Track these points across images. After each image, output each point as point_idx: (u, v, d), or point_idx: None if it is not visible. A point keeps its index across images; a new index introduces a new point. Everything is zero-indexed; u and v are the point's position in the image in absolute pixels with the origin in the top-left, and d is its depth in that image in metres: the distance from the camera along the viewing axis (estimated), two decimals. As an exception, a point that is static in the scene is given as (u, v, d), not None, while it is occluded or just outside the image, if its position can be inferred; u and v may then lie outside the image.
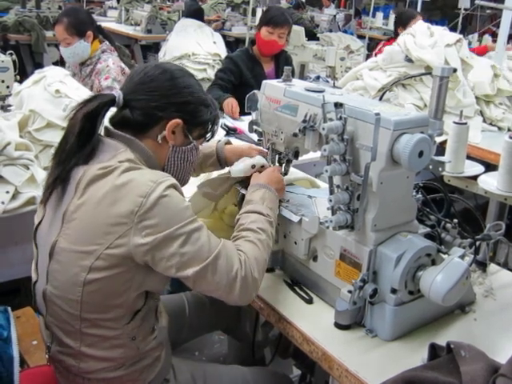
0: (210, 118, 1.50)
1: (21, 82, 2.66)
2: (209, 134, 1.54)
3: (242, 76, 3.64)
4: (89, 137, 1.34)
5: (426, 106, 3.17)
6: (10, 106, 2.66)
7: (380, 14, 8.94)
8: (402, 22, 4.93)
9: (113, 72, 3.24)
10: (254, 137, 1.81)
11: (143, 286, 1.35)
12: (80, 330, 1.34)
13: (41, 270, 1.39)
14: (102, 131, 1.43)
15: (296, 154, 1.71)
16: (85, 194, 1.29)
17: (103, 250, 1.26)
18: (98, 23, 3.55)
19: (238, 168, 1.67)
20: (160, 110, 1.40)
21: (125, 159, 1.33)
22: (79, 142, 1.33)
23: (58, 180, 1.35)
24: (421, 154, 1.30)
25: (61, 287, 1.32)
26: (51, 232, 1.35)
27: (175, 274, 1.30)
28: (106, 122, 1.45)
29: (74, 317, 1.33)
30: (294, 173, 1.89)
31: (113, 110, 1.45)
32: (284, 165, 1.76)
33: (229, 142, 1.86)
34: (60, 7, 7.39)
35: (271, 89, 1.66)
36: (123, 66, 3.36)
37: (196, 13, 6.67)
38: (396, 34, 4.99)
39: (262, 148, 1.80)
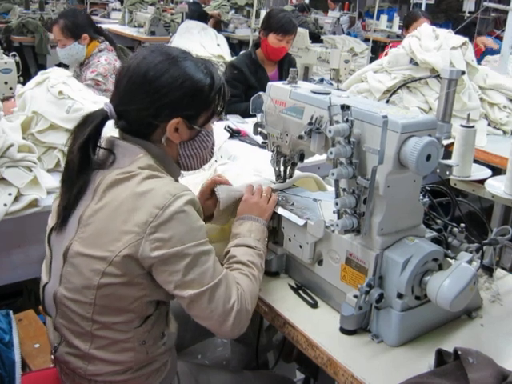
0: (212, 98, 1.41)
1: (24, 83, 2.66)
2: (219, 109, 1.46)
3: (246, 81, 3.65)
4: (88, 162, 1.34)
5: (430, 109, 3.15)
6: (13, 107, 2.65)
7: (384, 17, 8.93)
8: (406, 24, 4.91)
9: (100, 67, 3.27)
10: (259, 139, 1.79)
11: (154, 295, 1.34)
12: (91, 332, 1.33)
13: (54, 272, 1.38)
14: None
15: (301, 157, 1.69)
16: (103, 199, 1.29)
17: (114, 257, 1.25)
18: (100, 25, 3.58)
19: (225, 196, 1.64)
20: (153, 116, 1.35)
21: (145, 165, 1.32)
22: (81, 170, 1.33)
23: (68, 207, 1.35)
24: (429, 157, 1.28)
25: (74, 290, 1.32)
26: (66, 235, 1.35)
27: (172, 291, 1.29)
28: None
29: (86, 319, 1.32)
30: (297, 174, 1.87)
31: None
32: (289, 167, 1.75)
33: None
34: (65, 9, 7.39)
35: (277, 91, 1.65)
36: (118, 65, 3.37)
37: (200, 17, 6.68)
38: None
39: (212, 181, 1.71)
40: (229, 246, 1.51)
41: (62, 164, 2.27)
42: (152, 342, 1.39)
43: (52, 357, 1.45)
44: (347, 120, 1.33)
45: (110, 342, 1.34)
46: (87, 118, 1.37)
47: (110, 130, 1.43)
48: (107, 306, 1.30)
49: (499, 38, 5.61)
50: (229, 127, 3.05)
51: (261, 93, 1.70)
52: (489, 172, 2.44)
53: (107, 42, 3.46)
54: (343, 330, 1.42)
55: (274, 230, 1.68)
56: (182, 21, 6.58)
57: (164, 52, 1.38)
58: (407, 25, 4.83)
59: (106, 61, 3.31)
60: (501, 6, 3.86)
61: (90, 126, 1.34)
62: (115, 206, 1.27)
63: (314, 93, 1.54)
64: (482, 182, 2.35)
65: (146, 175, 1.29)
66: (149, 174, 1.30)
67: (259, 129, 1.74)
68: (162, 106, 1.34)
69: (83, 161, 1.33)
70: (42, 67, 5.98)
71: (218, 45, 5.67)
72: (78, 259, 1.30)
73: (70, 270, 1.32)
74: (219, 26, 7.97)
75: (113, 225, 1.26)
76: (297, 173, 1.81)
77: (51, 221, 1.43)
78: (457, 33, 3.47)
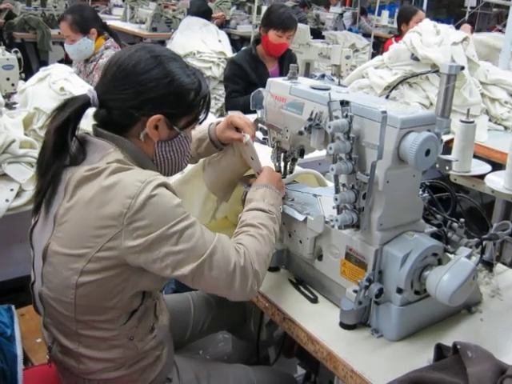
0: (197, 102, 1.40)
1: (26, 79, 2.66)
2: (201, 116, 1.46)
3: (247, 77, 3.65)
4: (64, 147, 1.31)
5: (431, 104, 3.15)
6: (14, 103, 2.66)
7: (386, 13, 8.92)
8: (405, 19, 4.96)
9: None
10: (259, 135, 1.80)
11: (138, 286, 1.32)
12: (77, 332, 1.33)
13: (36, 272, 1.37)
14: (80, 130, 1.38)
15: (301, 153, 1.69)
16: (74, 197, 1.26)
17: (94, 253, 1.23)
18: (104, 21, 3.58)
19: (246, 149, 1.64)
20: (136, 108, 1.33)
21: (113, 160, 1.29)
22: (55, 154, 1.31)
23: (41, 192, 1.33)
24: (428, 152, 1.28)
25: (55, 290, 1.31)
26: (44, 234, 1.33)
27: (172, 274, 1.27)
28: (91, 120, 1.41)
29: (70, 319, 1.31)
30: (298, 170, 1.88)
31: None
32: (289, 163, 1.75)
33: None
34: (67, 6, 7.39)
35: (277, 87, 1.65)
36: None
37: (205, 13, 6.65)
38: (400, 31, 5.02)
39: (245, 120, 1.70)
40: (243, 210, 1.50)
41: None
42: (140, 337, 1.38)
43: (47, 356, 1.46)
44: (346, 115, 1.33)
45: (97, 341, 1.34)
46: (68, 101, 1.34)
47: (87, 126, 1.42)
48: (89, 305, 1.29)
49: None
50: (230, 123, 3.05)
51: (261, 89, 1.70)
52: (488, 167, 2.44)
53: (112, 39, 3.46)
54: (343, 325, 1.43)
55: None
56: (185, 17, 6.56)
57: (156, 50, 1.38)
58: (407, 20, 4.88)
59: None
60: (501, 1, 3.85)
61: (70, 109, 1.32)
62: (86, 202, 1.24)
63: (314, 88, 1.54)
64: (482, 177, 2.36)
65: (113, 168, 1.26)
66: (116, 167, 1.27)
67: (259, 124, 1.74)
68: (147, 99, 1.33)
69: (58, 144, 1.30)
70: (44, 63, 5.96)
71: (220, 41, 5.65)
72: (55, 258, 1.29)
73: (50, 269, 1.31)
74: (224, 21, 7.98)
75: (87, 222, 1.24)
76: (297, 168, 1.82)
77: (32, 220, 1.41)
78: (457, 28, 3.47)
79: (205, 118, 1.47)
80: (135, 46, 1.40)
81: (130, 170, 1.28)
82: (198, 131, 1.69)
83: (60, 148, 1.31)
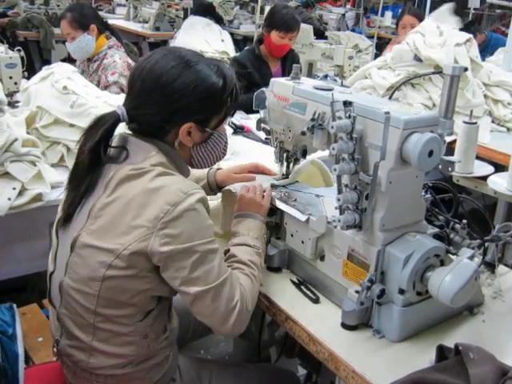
0: (225, 99, 1.42)
1: (28, 78, 2.67)
2: (231, 111, 1.48)
3: (249, 76, 3.64)
4: (99, 163, 1.35)
5: (434, 105, 3.15)
6: (17, 102, 2.67)
7: (389, 13, 8.90)
8: (396, 22, 4.90)
9: (119, 67, 3.26)
10: (262, 135, 1.80)
11: (158, 290, 1.35)
12: (93, 324, 1.35)
13: (59, 262, 1.40)
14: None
15: (304, 153, 1.70)
16: (114, 193, 1.30)
17: (122, 251, 1.27)
18: (105, 19, 3.59)
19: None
20: (166, 121, 1.37)
21: (157, 162, 1.33)
22: (90, 170, 1.35)
23: (73, 205, 1.36)
24: (431, 153, 1.28)
25: (79, 280, 1.33)
26: (74, 226, 1.36)
27: (178, 287, 1.30)
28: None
29: (89, 310, 1.33)
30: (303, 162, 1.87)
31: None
32: (292, 163, 1.75)
33: (219, 168, 1.81)
34: (70, 4, 7.40)
35: (280, 87, 1.65)
36: (130, 61, 3.38)
37: (207, 9, 6.64)
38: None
39: (252, 164, 1.78)
40: (229, 244, 1.52)
41: (66, 159, 2.28)
42: (154, 336, 1.40)
43: (54, 350, 1.46)
44: (349, 116, 1.33)
45: (111, 335, 1.36)
46: (99, 119, 1.38)
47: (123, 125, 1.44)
48: (111, 298, 1.32)
49: (504, 35, 5.60)
50: (232, 123, 3.06)
51: (264, 89, 1.70)
52: (491, 169, 2.44)
53: (114, 38, 3.47)
54: (345, 326, 1.43)
55: (277, 226, 1.68)
56: (185, 16, 6.56)
57: (177, 56, 1.38)
58: (397, 23, 4.83)
59: (121, 59, 3.32)
60: (504, 3, 3.85)
61: (102, 128, 1.35)
62: (127, 200, 1.28)
63: (317, 89, 1.54)
64: (484, 178, 2.35)
65: (159, 172, 1.30)
66: (161, 171, 1.31)
67: (262, 125, 1.74)
68: (174, 111, 1.36)
69: (93, 161, 1.35)
70: (47, 62, 5.99)
71: (223, 41, 5.66)
72: (85, 250, 1.32)
73: (77, 260, 1.33)
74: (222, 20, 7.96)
75: (123, 219, 1.28)
76: (303, 163, 1.81)
77: (60, 211, 1.44)
78: (461, 29, 3.46)
79: (235, 111, 1.51)
80: (156, 55, 1.40)
81: (173, 176, 1.33)
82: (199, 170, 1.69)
83: (95, 164, 1.35)
